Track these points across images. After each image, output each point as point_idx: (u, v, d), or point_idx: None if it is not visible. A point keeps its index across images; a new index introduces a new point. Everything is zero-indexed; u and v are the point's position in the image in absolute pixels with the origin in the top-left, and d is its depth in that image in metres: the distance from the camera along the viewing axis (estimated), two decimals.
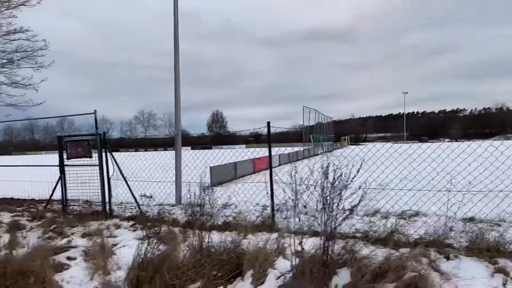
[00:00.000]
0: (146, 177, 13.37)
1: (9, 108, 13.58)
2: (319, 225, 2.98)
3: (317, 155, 41.08)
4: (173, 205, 9.34)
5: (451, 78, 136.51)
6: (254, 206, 8.59)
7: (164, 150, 69.02)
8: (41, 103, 13.81)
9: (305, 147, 40.20)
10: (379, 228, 5.23)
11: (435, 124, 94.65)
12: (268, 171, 6.65)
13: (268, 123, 6.40)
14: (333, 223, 2.95)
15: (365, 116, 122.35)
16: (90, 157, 7.35)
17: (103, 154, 7.27)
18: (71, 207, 8.08)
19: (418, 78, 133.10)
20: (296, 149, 37.65)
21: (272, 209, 6.21)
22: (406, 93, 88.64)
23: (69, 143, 7.49)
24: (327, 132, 58.14)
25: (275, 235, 5.47)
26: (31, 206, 9.65)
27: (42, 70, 13.55)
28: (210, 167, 16.46)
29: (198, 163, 14.39)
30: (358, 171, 3.11)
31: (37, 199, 10.57)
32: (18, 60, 12.92)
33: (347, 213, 2.91)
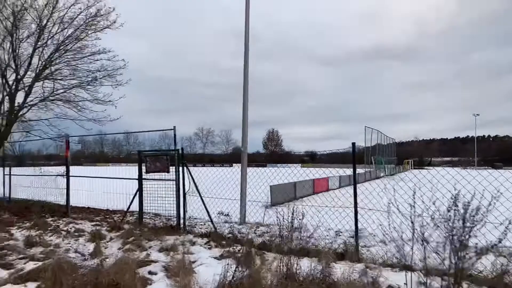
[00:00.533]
0: (211, 193, 13.48)
1: (90, 123, 14.57)
2: (442, 261, 2.57)
3: (378, 178, 39.19)
4: (239, 224, 9.22)
5: None
6: (326, 230, 8.18)
7: (220, 166, 70.67)
8: (117, 119, 14.64)
9: (366, 169, 38.69)
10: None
11: (510, 149, 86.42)
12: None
13: (353, 144, 6.06)
14: (463, 261, 2.53)
15: (429, 138, 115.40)
16: (168, 172, 7.50)
17: (180, 169, 7.37)
18: (146, 220, 8.26)
19: (489, 98, 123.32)
20: (360, 171, 36.26)
21: (356, 237, 5.77)
22: (478, 115, 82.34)
23: (149, 158, 7.73)
24: (389, 154, 55.56)
25: (360, 265, 5.05)
26: (107, 216, 10.09)
27: (120, 88, 14.48)
28: (271, 186, 16.24)
29: (258, 181, 14.18)
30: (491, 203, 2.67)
31: (111, 209, 11.06)
32: (100, 78, 13.89)
33: (482, 250, 2.48)
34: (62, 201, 10.18)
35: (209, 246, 6.33)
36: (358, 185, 6.21)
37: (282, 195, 17.29)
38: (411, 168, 69.62)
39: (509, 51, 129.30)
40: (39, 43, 13.76)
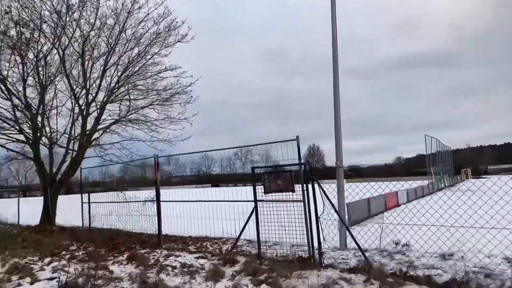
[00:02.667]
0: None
1: (161, 144, 13.76)
2: None
3: (440, 190, 36.14)
4: (341, 249, 7.72)
5: None
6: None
7: (261, 185, 69.03)
8: (188, 138, 13.73)
9: (429, 181, 35.95)
10: None
11: None
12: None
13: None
14: None
15: (479, 145, 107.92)
16: (293, 191, 6.18)
17: (309, 187, 6.04)
18: (263, 250, 6.93)
19: None
20: (417, 183, 33.65)
21: None
22: None
23: (267, 175, 6.46)
24: (446, 164, 51.95)
25: None
26: (204, 245, 8.93)
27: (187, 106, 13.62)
28: (347, 204, 14.65)
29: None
30: None
31: (205, 237, 9.89)
32: (172, 96, 13.10)
33: None
34: (151, 230, 9.14)
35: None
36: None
37: (356, 213, 15.71)
38: (469, 178, 64.99)
39: None
40: (109, 63, 13.24)
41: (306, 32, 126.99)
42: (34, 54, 12.69)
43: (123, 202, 9.73)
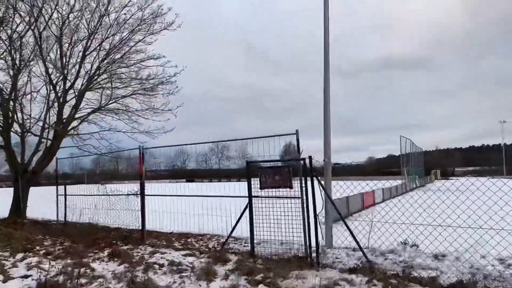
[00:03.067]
0: None
1: (141, 136, 13.22)
2: None
3: (412, 190, 37.07)
4: (324, 247, 7.59)
5: None
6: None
7: (237, 181, 68.90)
8: (171, 130, 13.27)
9: (402, 181, 36.75)
10: None
11: None
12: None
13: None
14: None
15: (447, 147, 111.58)
16: (291, 187, 5.94)
17: (309, 184, 5.81)
18: (257, 248, 6.66)
19: (504, 105, 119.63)
20: (390, 183, 34.33)
21: None
22: (504, 121, 79.47)
23: (263, 170, 6.19)
24: (417, 165, 53.40)
25: None
26: (191, 242, 8.58)
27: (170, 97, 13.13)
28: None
29: None
30: None
31: (190, 233, 9.53)
32: (156, 86, 12.58)
33: None
34: (133, 225, 8.70)
35: None
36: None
37: (334, 210, 15.74)
38: (438, 179, 67.16)
39: None
40: (90, 48, 12.55)
41: (288, 29, 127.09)
42: (7, 35, 11.82)
43: (105, 195, 9.19)
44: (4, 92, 12.29)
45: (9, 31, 11.86)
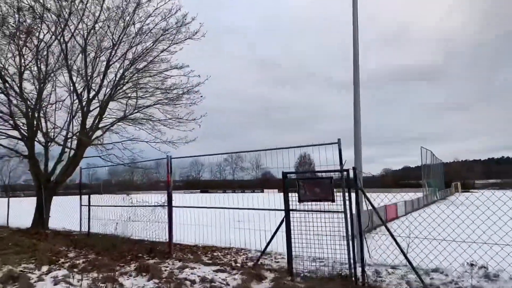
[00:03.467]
0: None
1: (164, 146, 13.03)
2: None
3: (433, 202, 35.93)
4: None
5: None
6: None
7: (251, 192, 68.24)
8: (193, 140, 13.06)
9: (423, 194, 35.70)
10: None
11: None
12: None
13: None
14: None
15: (465, 159, 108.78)
16: (333, 200, 5.56)
17: (352, 196, 5.42)
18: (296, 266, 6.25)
19: None
20: (409, 195, 33.40)
21: None
22: None
23: (303, 182, 5.83)
24: (437, 177, 51.99)
25: None
26: (219, 256, 8.23)
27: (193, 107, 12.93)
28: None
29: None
30: None
31: (219, 246, 9.19)
32: (179, 95, 12.41)
33: None
34: (159, 237, 8.41)
35: None
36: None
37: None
38: (459, 191, 65.26)
39: None
40: (113, 59, 12.50)
41: (294, 42, 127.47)
42: (34, 44, 11.88)
43: (130, 206, 8.93)
44: (29, 102, 12.31)
45: (35, 41, 11.93)
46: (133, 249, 8.56)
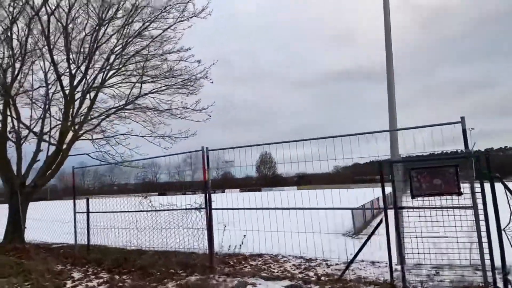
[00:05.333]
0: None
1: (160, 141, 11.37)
2: None
3: None
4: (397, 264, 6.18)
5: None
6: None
7: (213, 192, 66.00)
8: (194, 134, 11.53)
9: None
10: None
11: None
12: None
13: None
14: None
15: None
16: (459, 193, 4.45)
17: (484, 187, 4.35)
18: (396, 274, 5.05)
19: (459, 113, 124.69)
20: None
21: None
22: (472, 129, 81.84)
23: (417, 172, 4.65)
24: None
25: None
26: (269, 266, 6.87)
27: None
28: (353, 211, 13.30)
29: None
30: None
31: (262, 254, 7.78)
32: (185, 81, 10.81)
33: None
34: (185, 247, 6.88)
35: None
36: None
37: (358, 221, 14.50)
38: None
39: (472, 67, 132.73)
40: (104, 35, 10.62)
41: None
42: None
43: (151, 211, 7.23)
44: None
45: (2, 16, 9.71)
46: (157, 264, 6.93)
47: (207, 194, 6.54)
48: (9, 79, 10.31)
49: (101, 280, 6.39)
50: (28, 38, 9.95)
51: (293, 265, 7.18)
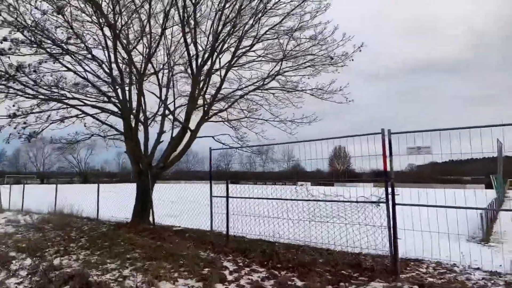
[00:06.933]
0: None
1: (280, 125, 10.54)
2: None
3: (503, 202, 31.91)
4: None
5: None
6: None
7: (283, 184, 65.04)
8: (314, 120, 10.52)
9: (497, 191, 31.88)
10: None
11: None
12: None
13: None
14: None
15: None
16: None
17: None
18: None
19: None
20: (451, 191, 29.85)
21: None
22: None
23: None
24: (500, 172, 47.48)
25: None
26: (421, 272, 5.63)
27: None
28: (481, 213, 11.27)
29: None
30: None
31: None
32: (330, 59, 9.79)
33: None
34: (342, 245, 5.87)
35: None
36: None
37: (474, 225, 12.31)
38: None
39: None
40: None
41: None
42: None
43: (333, 201, 6.31)
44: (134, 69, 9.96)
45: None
46: (316, 262, 6.05)
47: (392, 185, 5.45)
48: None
49: (262, 275, 5.68)
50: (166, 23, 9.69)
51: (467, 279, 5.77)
